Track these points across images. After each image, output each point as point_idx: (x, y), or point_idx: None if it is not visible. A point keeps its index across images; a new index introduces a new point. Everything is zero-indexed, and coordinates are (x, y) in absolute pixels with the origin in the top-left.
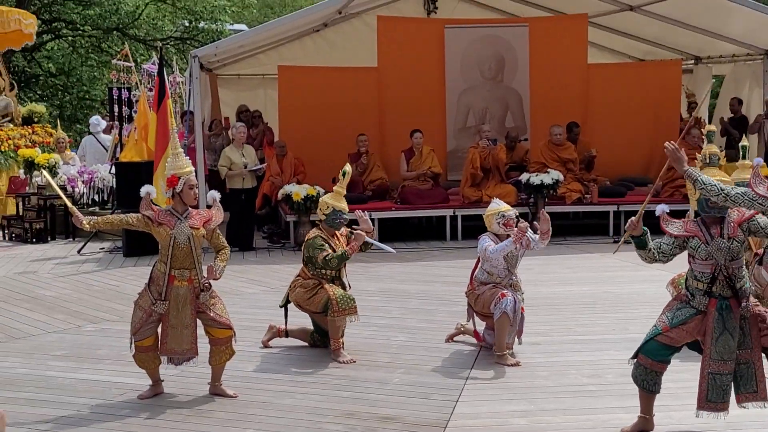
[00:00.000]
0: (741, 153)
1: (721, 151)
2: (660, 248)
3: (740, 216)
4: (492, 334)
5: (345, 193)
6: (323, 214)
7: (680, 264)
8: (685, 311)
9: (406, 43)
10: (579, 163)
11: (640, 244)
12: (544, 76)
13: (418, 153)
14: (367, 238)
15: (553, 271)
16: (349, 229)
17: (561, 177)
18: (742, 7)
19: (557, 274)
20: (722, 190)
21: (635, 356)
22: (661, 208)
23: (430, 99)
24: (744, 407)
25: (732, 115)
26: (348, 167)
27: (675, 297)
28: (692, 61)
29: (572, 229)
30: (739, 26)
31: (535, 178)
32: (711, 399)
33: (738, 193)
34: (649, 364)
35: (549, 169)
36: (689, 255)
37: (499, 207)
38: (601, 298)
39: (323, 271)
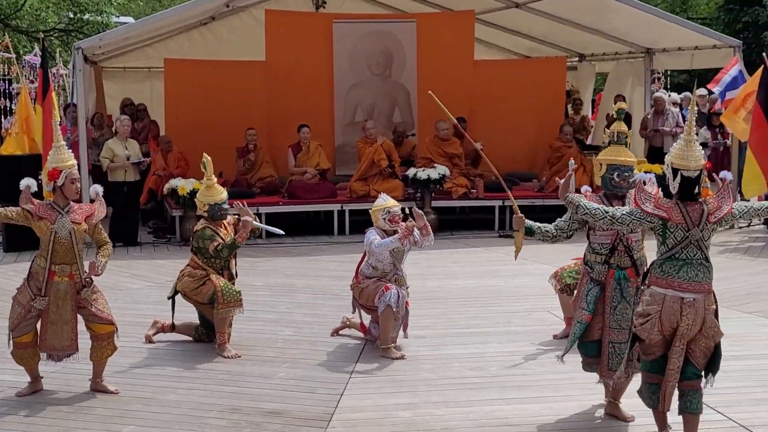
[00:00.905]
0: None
1: (603, 144)
2: (558, 226)
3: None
4: (378, 327)
5: (215, 182)
6: (203, 211)
7: (564, 258)
8: (593, 291)
9: (294, 37)
10: (465, 158)
11: (529, 233)
12: (431, 72)
13: (305, 148)
14: (255, 223)
15: (440, 265)
16: (236, 217)
17: (447, 172)
18: (625, 5)
19: (443, 268)
20: (607, 213)
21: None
22: (569, 172)
23: (318, 94)
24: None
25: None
26: (206, 157)
27: (579, 283)
28: (576, 59)
29: (458, 223)
30: (622, 24)
31: (422, 173)
32: (612, 368)
33: (624, 214)
34: (591, 362)
35: (435, 164)
36: (589, 228)
37: (385, 203)
38: (485, 292)
39: (213, 261)
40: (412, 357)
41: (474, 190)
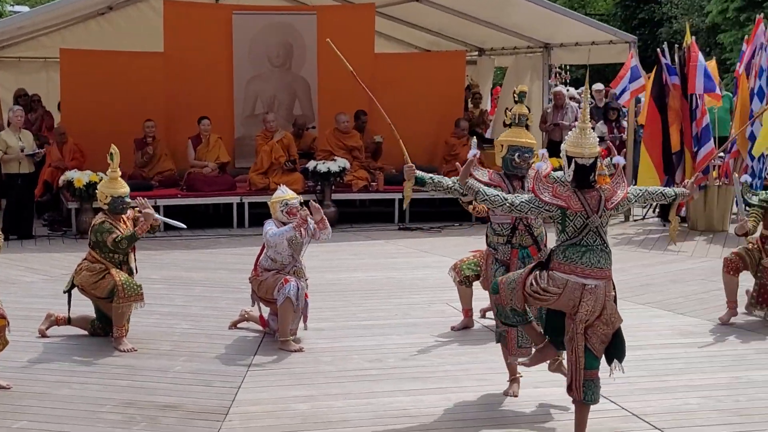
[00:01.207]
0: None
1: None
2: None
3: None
4: (276, 319)
5: (119, 174)
6: (104, 203)
7: (462, 251)
8: (500, 271)
9: (193, 28)
10: (365, 151)
11: (420, 183)
12: (331, 65)
13: (205, 141)
14: (156, 215)
15: (339, 257)
16: (136, 211)
17: (347, 165)
18: (523, 0)
19: (343, 261)
20: (506, 200)
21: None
22: (472, 153)
23: (217, 86)
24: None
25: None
26: (114, 148)
27: (485, 266)
28: (476, 53)
29: (359, 216)
30: (521, 19)
31: (322, 166)
32: (521, 345)
33: (523, 202)
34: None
35: (336, 157)
36: (490, 210)
37: (283, 195)
38: (385, 284)
39: (112, 255)
40: (310, 349)
41: (374, 183)
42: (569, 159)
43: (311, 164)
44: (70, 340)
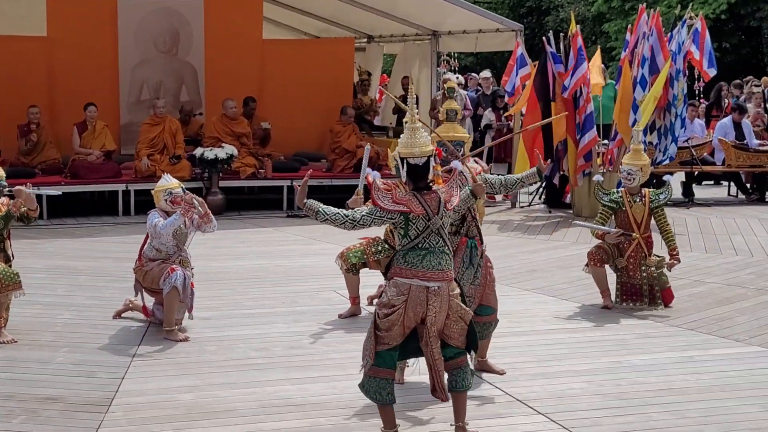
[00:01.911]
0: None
1: (391, 125)
2: None
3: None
4: (161, 309)
5: None
6: None
7: (350, 238)
8: None
9: (77, 12)
10: (253, 137)
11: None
12: (219, 51)
13: (91, 128)
14: (28, 190)
15: (227, 245)
16: (9, 196)
17: (235, 152)
18: None
19: (231, 249)
20: (347, 217)
21: None
22: (374, 175)
23: (103, 71)
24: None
25: (403, 93)
26: None
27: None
28: (365, 40)
29: (247, 203)
30: (409, 7)
31: (210, 153)
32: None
33: (364, 215)
34: None
35: (223, 144)
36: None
37: (167, 184)
38: (272, 272)
39: None
40: (196, 339)
41: (262, 170)
42: (402, 160)
43: (198, 151)
44: None
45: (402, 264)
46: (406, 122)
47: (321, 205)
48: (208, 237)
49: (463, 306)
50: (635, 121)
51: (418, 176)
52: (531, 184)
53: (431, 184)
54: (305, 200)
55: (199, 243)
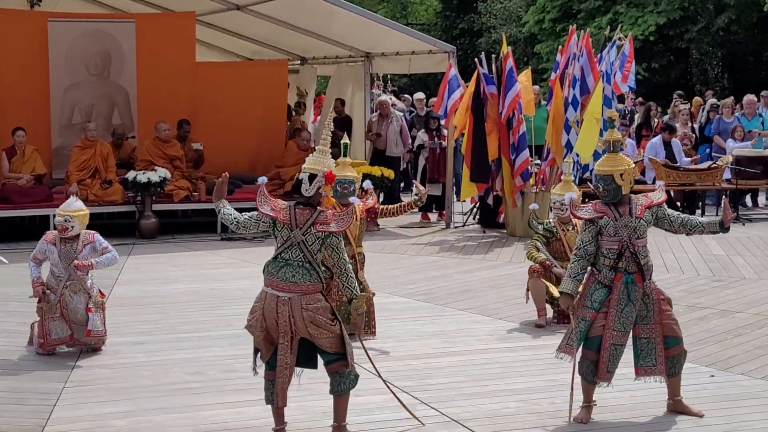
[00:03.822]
0: (343, 150)
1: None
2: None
3: (648, 201)
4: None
5: None
6: None
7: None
8: (599, 293)
9: (6, 35)
10: (186, 160)
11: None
12: (151, 73)
13: (20, 152)
14: None
15: (160, 269)
16: None
17: (168, 175)
18: (344, 11)
19: (164, 273)
20: (235, 219)
21: (561, 349)
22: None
23: (33, 95)
24: (640, 380)
25: (336, 115)
26: None
27: (584, 284)
28: (299, 62)
29: (180, 227)
30: (342, 29)
31: (142, 176)
32: (610, 369)
33: (246, 218)
34: (592, 357)
35: (156, 167)
36: (599, 234)
37: (66, 208)
38: (206, 296)
39: None
40: (129, 363)
41: (196, 193)
42: (310, 176)
43: (131, 174)
44: None
45: (265, 272)
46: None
47: (226, 206)
48: (142, 261)
49: (328, 317)
50: (568, 141)
51: (298, 190)
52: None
53: (312, 200)
54: (221, 199)
55: (133, 267)
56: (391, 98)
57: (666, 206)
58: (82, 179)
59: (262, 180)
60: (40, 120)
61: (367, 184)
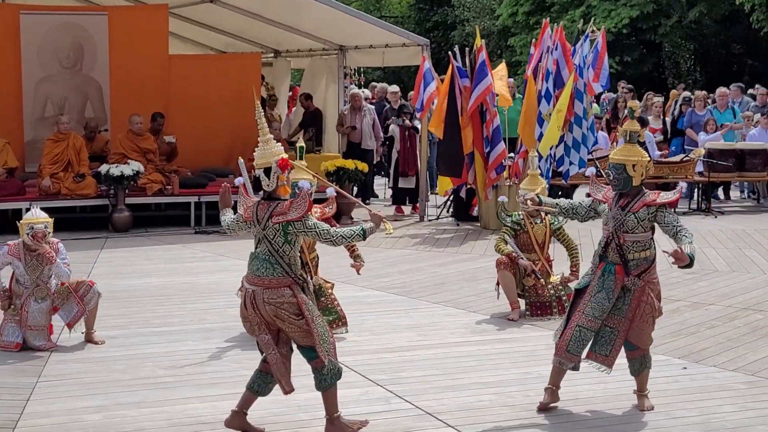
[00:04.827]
0: (298, 154)
1: (297, 139)
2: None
3: (651, 199)
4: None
5: None
6: None
7: None
8: (587, 277)
9: None
10: (160, 153)
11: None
12: (124, 66)
13: None
14: None
15: (134, 263)
16: None
17: (141, 168)
18: (317, 3)
19: (138, 266)
20: (224, 222)
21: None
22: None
23: (5, 87)
24: (588, 362)
25: (304, 109)
26: None
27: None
28: (272, 55)
29: (153, 220)
30: (315, 22)
31: (115, 170)
32: (570, 350)
33: (231, 221)
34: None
35: (129, 160)
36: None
37: (32, 218)
38: (180, 289)
39: None
40: (103, 358)
41: (169, 187)
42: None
43: (104, 168)
44: None
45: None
46: (308, 138)
47: (226, 213)
48: (114, 255)
49: (293, 312)
50: (541, 134)
51: (259, 184)
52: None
53: (275, 195)
54: (224, 208)
55: (106, 261)
56: (363, 91)
57: (668, 210)
58: (55, 172)
59: (239, 181)
60: (12, 113)
61: (330, 192)
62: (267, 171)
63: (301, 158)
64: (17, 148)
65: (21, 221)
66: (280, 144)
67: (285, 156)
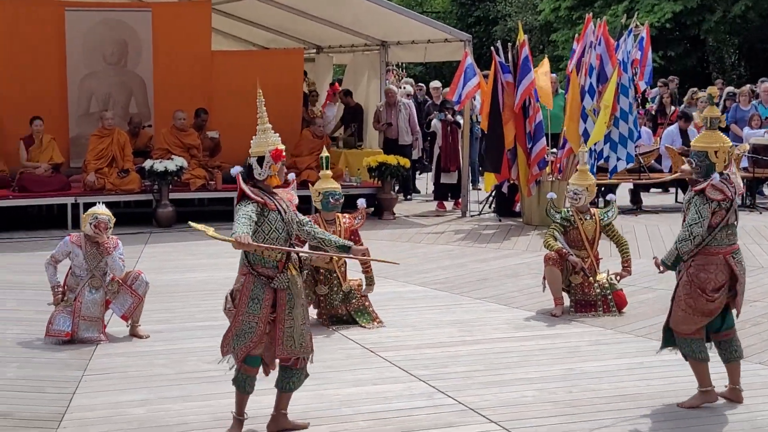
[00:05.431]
0: (324, 163)
1: (340, 135)
2: None
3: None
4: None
5: None
6: None
7: None
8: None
9: (23, 24)
10: (203, 149)
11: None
12: (168, 62)
13: (38, 141)
14: None
15: (177, 258)
16: None
17: (185, 163)
18: None
19: (181, 261)
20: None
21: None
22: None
23: (50, 84)
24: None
25: (344, 105)
26: None
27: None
28: (314, 51)
29: (197, 215)
30: (357, 17)
31: (159, 165)
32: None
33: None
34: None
35: (173, 156)
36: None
37: (96, 210)
38: (223, 284)
39: None
40: (147, 352)
41: (212, 182)
42: (258, 158)
43: (147, 163)
44: None
45: None
46: (350, 134)
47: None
48: (159, 250)
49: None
50: (585, 130)
51: (252, 176)
52: None
53: (263, 185)
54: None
55: (150, 256)
56: (403, 87)
57: (700, 200)
58: (100, 168)
59: (235, 171)
60: (57, 109)
61: (361, 203)
62: (260, 160)
63: (326, 168)
64: (62, 144)
65: (84, 215)
66: (277, 135)
67: (281, 147)
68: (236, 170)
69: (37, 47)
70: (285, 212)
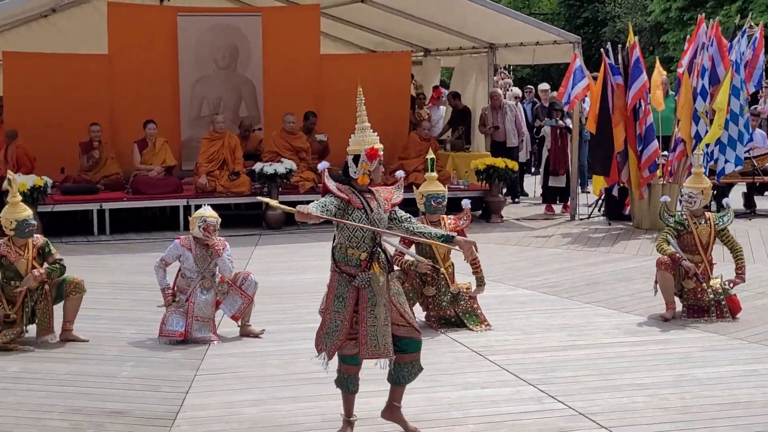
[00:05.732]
0: (429, 165)
1: (447, 137)
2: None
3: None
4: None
5: (20, 199)
6: (10, 230)
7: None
8: None
9: (137, 30)
10: (312, 152)
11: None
12: (277, 66)
13: (151, 144)
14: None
15: (287, 259)
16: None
17: (294, 166)
18: (468, 1)
19: (291, 263)
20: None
21: None
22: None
23: (163, 88)
24: None
25: (452, 107)
26: (11, 175)
27: None
28: (422, 53)
29: None
30: (465, 20)
31: (269, 168)
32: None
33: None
34: None
35: (282, 158)
36: None
37: (203, 212)
38: None
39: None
40: (258, 353)
41: (321, 185)
42: (354, 157)
43: (257, 166)
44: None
45: None
46: (457, 136)
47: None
48: (269, 251)
49: None
50: (696, 131)
51: (348, 173)
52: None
53: (354, 183)
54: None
55: (259, 257)
56: (510, 89)
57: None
58: (211, 171)
59: (323, 165)
60: (170, 113)
61: (465, 204)
62: (356, 158)
63: (431, 170)
64: (174, 147)
65: (192, 216)
66: (375, 134)
67: (377, 146)
68: (322, 166)
69: (151, 52)
70: (372, 211)
